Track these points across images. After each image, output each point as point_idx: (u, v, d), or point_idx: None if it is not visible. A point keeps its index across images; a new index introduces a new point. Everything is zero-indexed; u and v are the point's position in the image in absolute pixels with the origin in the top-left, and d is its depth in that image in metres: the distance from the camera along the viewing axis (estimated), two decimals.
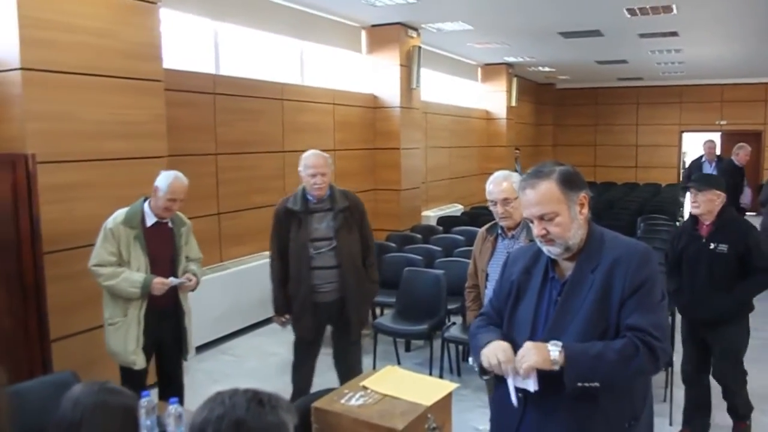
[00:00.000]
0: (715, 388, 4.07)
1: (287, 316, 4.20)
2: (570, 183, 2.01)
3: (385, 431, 2.38)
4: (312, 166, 3.92)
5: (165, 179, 3.74)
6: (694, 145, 16.66)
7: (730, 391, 3.98)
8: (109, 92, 4.66)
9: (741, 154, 8.27)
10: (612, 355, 1.88)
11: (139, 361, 3.72)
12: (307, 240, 3.98)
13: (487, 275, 3.49)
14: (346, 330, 4.20)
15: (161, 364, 3.99)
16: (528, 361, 1.91)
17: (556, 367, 1.89)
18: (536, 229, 2.02)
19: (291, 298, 4.09)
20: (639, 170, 17.63)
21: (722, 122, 16.41)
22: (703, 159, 9.14)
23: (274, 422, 1.37)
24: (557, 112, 18.82)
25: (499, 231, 3.52)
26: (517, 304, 2.14)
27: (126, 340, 3.69)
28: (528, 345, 1.95)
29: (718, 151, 9.40)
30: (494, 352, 2.02)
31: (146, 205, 3.80)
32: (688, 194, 4.03)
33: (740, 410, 4.03)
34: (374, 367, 5.07)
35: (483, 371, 2.14)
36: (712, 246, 3.79)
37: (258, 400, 1.38)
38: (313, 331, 4.14)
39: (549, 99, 18.58)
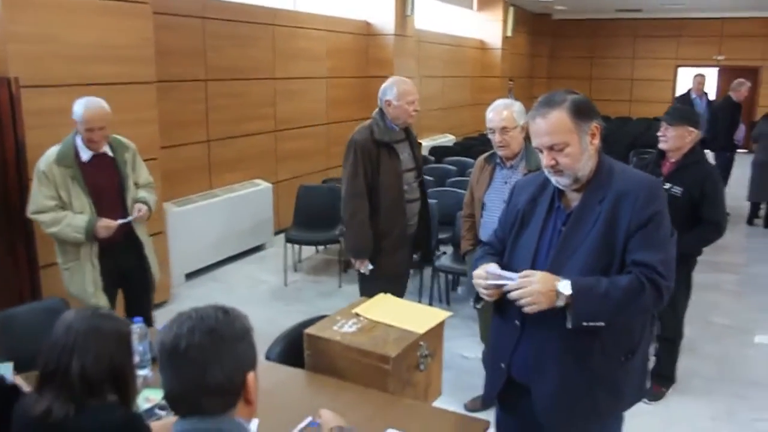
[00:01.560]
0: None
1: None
2: (582, 112, 1.94)
3: (378, 358, 2.39)
4: (412, 93, 3.68)
5: (78, 108, 3.35)
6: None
7: (668, 342, 3.86)
8: (94, 14, 4.48)
9: (742, 90, 8.05)
10: (618, 293, 1.86)
11: (102, 303, 3.55)
12: (401, 171, 3.75)
13: (483, 204, 3.46)
14: (426, 258, 4.39)
15: (128, 300, 3.79)
16: (536, 304, 1.87)
17: (560, 304, 1.87)
18: (545, 160, 1.96)
19: (380, 235, 3.74)
20: (633, 104, 17.44)
21: (720, 57, 16.17)
22: (693, 95, 8.82)
23: (241, 328, 1.41)
24: (553, 43, 18.43)
25: (498, 160, 3.47)
26: (521, 232, 2.11)
27: (84, 282, 3.50)
28: (537, 283, 1.88)
29: (713, 88, 9.04)
30: (477, 282, 2.04)
31: (78, 138, 3.44)
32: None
33: (664, 369, 3.91)
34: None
35: (477, 300, 2.15)
36: (667, 186, 3.49)
37: (223, 310, 1.42)
38: (405, 264, 3.97)
39: (545, 30, 18.17)
